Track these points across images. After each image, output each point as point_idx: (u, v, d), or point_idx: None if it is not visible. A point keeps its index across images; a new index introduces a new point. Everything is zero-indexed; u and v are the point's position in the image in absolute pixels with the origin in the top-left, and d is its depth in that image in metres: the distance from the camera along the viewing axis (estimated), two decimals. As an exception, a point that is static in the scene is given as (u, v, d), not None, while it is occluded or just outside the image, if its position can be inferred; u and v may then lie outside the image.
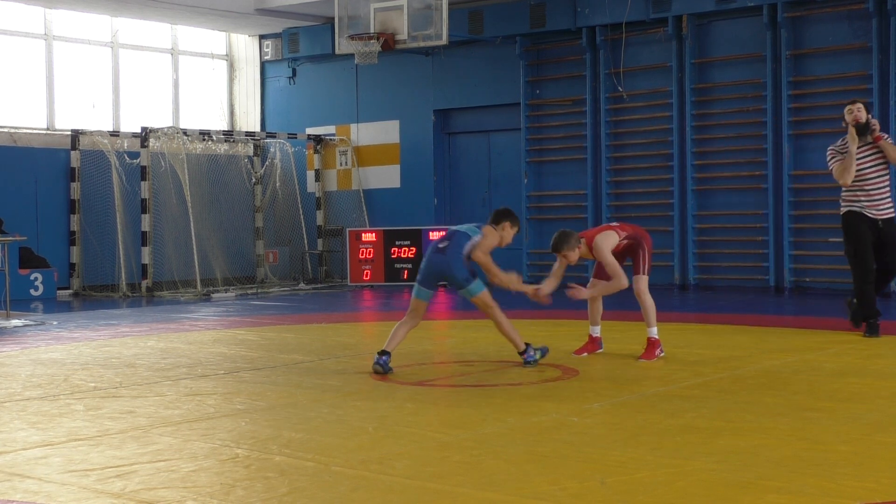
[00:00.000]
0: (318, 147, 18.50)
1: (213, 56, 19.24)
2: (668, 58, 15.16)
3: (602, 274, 8.14)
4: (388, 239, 16.42)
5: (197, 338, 10.07)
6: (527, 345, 7.83)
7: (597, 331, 8.45)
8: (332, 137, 18.47)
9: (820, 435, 5.36)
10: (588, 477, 4.60)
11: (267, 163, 18.65)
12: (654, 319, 8.10)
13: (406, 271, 16.24)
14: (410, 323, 7.84)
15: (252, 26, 18.47)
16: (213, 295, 15.63)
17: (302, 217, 18.38)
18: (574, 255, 8.03)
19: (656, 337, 8.12)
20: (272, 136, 18.38)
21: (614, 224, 8.35)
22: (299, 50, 18.44)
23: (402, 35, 15.17)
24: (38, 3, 16.40)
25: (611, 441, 5.30)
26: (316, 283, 17.65)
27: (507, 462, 4.90)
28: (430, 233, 16.26)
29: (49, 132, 16.81)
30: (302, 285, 17.21)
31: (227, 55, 19.49)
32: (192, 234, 16.39)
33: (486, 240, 7.68)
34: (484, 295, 7.65)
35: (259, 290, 16.29)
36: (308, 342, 9.54)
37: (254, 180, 18.55)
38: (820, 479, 4.49)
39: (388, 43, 15.18)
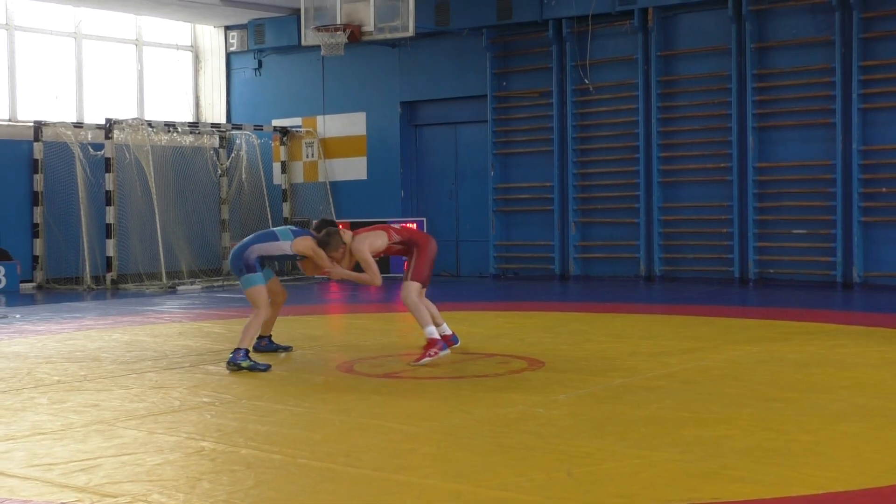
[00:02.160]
0: (285, 139, 18.43)
1: (178, 47, 19.10)
2: (634, 50, 15.22)
3: (414, 270, 8.03)
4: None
5: (162, 330, 10.01)
6: (248, 350, 7.63)
7: (445, 329, 8.30)
8: (298, 129, 18.40)
9: (782, 425, 5.42)
10: (554, 468, 4.62)
11: (233, 155, 18.54)
12: (426, 320, 7.87)
13: (373, 263, 16.19)
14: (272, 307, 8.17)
15: (217, 17, 18.34)
16: (179, 287, 15.54)
17: (268, 209, 18.29)
18: (339, 255, 7.97)
19: (434, 336, 7.84)
20: (238, 127, 18.29)
21: (394, 226, 8.30)
22: (265, 41, 18.35)
23: (369, 26, 15.12)
24: (0, -7, 16.21)
25: (577, 432, 5.33)
26: (283, 275, 17.59)
27: (474, 454, 4.92)
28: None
29: (11, 123, 16.62)
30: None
31: (192, 46, 19.36)
32: (158, 226, 16.28)
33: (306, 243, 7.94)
34: (252, 291, 7.82)
35: (225, 283, 16.20)
36: (274, 335, 9.51)
37: (220, 172, 18.44)
38: (782, 469, 4.54)
39: (355, 34, 15.13)
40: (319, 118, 18.26)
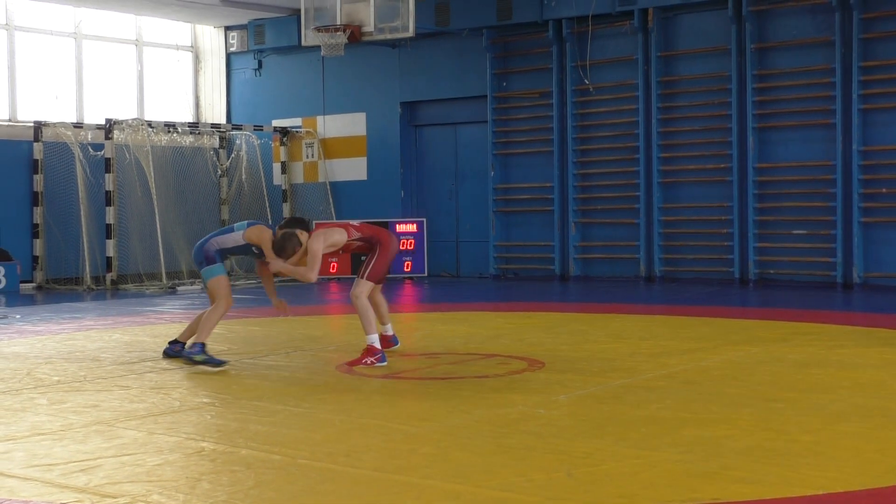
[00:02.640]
0: (285, 139, 18.42)
1: (178, 47, 19.09)
2: (634, 51, 15.22)
3: (372, 268, 7.96)
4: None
5: (162, 331, 10.00)
6: (203, 344, 7.65)
7: (388, 329, 8.30)
8: (298, 129, 18.40)
9: (783, 425, 5.41)
10: (554, 468, 4.62)
11: (233, 155, 18.54)
12: (371, 326, 7.72)
13: (373, 264, 16.19)
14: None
15: (217, 17, 18.34)
16: (179, 288, 15.53)
17: (268, 209, 18.29)
18: (297, 257, 7.85)
19: (375, 345, 7.70)
20: (238, 128, 18.28)
21: (354, 223, 8.24)
22: (265, 41, 18.35)
23: (369, 27, 15.11)
24: (0, -7, 16.21)
25: (577, 432, 5.33)
26: (282, 276, 17.57)
27: (474, 454, 4.91)
28: (398, 225, 16.25)
29: (11, 124, 16.62)
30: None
31: (192, 46, 19.36)
32: (158, 226, 16.27)
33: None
34: (212, 282, 7.84)
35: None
36: (275, 335, 9.51)
37: (220, 172, 18.43)
38: (783, 469, 4.54)
39: (355, 35, 15.12)
40: (319, 118, 18.25)
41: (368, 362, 7.62)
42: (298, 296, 14.24)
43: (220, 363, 7.55)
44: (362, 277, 7.82)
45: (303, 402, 6.30)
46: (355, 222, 8.37)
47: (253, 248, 7.98)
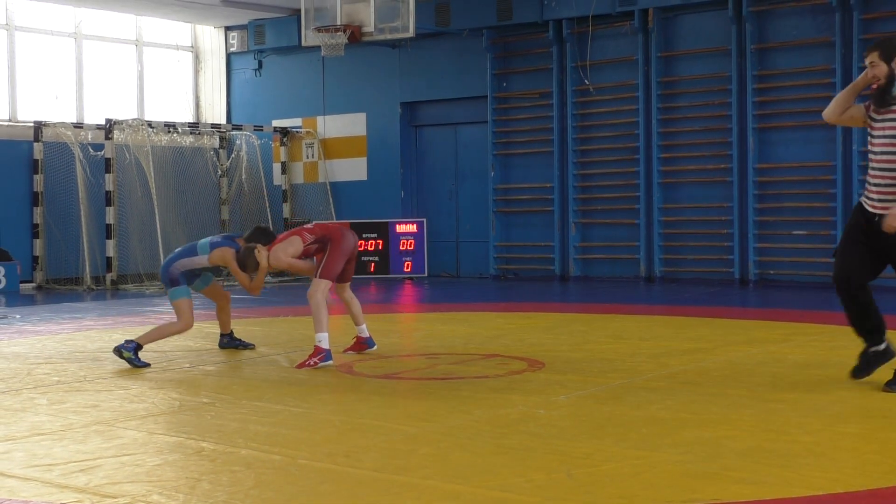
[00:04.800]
0: (285, 139, 18.42)
1: (178, 47, 19.09)
2: (634, 51, 15.22)
3: (325, 266, 7.98)
4: (355, 232, 16.35)
5: (162, 331, 9.99)
6: (140, 346, 7.78)
7: (363, 330, 8.32)
8: (298, 130, 18.40)
9: (783, 426, 5.41)
10: (555, 469, 4.62)
11: (233, 155, 18.54)
12: (323, 325, 7.67)
13: (373, 264, 16.21)
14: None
15: (217, 17, 18.34)
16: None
17: (268, 210, 18.28)
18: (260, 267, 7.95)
19: (322, 346, 7.66)
20: (238, 128, 18.28)
21: (307, 226, 8.23)
22: (265, 42, 18.35)
23: (369, 27, 15.12)
24: (0, -7, 16.21)
25: (577, 433, 5.33)
26: (282, 276, 17.58)
27: (474, 454, 4.91)
28: (397, 225, 16.25)
29: (11, 124, 16.62)
30: (268, 278, 17.14)
31: (192, 47, 19.36)
32: (158, 226, 16.27)
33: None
34: (175, 303, 8.01)
35: (225, 284, 16.18)
36: (275, 335, 9.51)
37: (220, 173, 18.43)
38: (783, 470, 4.54)
39: (355, 35, 15.13)
40: (319, 119, 18.25)
41: (312, 363, 7.60)
42: (298, 296, 14.24)
43: (143, 365, 7.70)
44: (317, 276, 7.82)
45: (303, 402, 6.30)
46: (309, 225, 8.36)
47: (221, 268, 8.11)
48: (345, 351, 8.30)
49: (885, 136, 6.26)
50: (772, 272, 14.37)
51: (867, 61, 6.30)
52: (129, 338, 8.18)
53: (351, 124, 17.93)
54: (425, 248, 16.24)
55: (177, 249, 8.29)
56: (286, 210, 18.34)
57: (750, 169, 14.28)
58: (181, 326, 8.04)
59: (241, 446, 5.11)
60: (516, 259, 16.53)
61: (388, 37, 15.26)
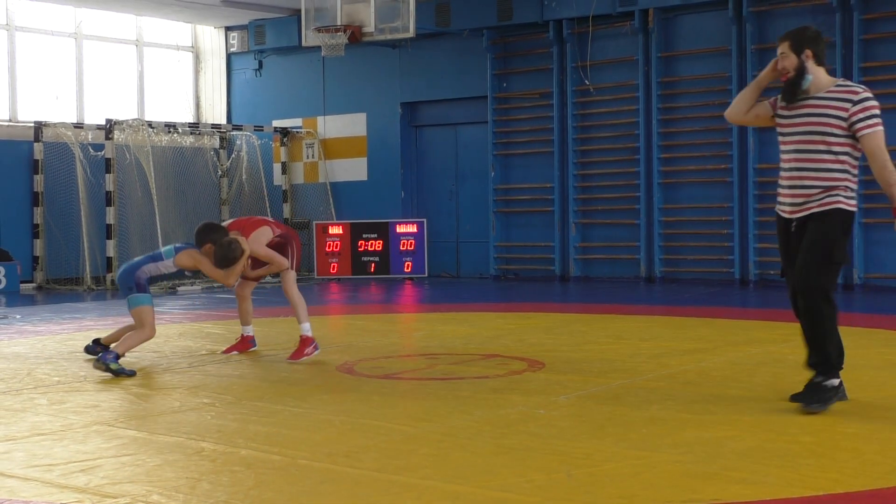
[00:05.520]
0: (285, 140, 18.42)
1: (178, 48, 19.09)
2: (634, 51, 15.22)
3: (255, 270, 8.15)
4: (356, 232, 16.39)
5: (162, 331, 10.00)
6: (119, 356, 7.62)
7: (248, 330, 8.35)
8: (298, 130, 18.40)
9: (783, 426, 5.41)
10: (555, 469, 4.61)
11: (233, 155, 18.54)
12: (304, 315, 7.90)
13: (373, 264, 16.21)
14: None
15: (218, 18, 18.34)
16: (179, 288, 15.52)
17: (269, 210, 18.28)
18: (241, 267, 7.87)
19: (309, 334, 7.90)
20: (238, 128, 18.28)
21: (271, 220, 8.29)
22: (265, 42, 18.35)
23: (369, 27, 15.12)
24: (0, -7, 16.21)
25: (577, 433, 5.32)
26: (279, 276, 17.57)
27: (474, 455, 4.91)
28: (398, 226, 16.25)
29: (11, 124, 16.62)
30: (268, 279, 17.12)
31: (192, 47, 19.36)
32: (158, 226, 16.26)
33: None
34: (136, 311, 7.81)
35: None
36: (275, 335, 9.51)
37: (220, 173, 18.43)
38: (783, 470, 4.53)
39: (355, 35, 15.13)
40: (320, 119, 18.25)
41: (310, 352, 7.86)
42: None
43: (130, 373, 7.49)
44: (291, 269, 8.06)
45: (303, 402, 6.30)
46: (271, 220, 8.40)
47: (186, 272, 8.07)
48: (225, 351, 8.31)
49: (796, 134, 5.79)
50: (772, 272, 14.36)
51: (778, 52, 5.84)
52: (94, 339, 8.19)
53: (351, 124, 17.93)
54: (425, 248, 16.24)
55: (136, 258, 8.14)
56: (286, 210, 18.34)
57: (750, 169, 14.27)
58: (146, 336, 7.83)
59: (241, 446, 5.11)
60: (516, 259, 16.53)
61: (389, 37, 15.26)
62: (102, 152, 16.15)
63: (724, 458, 4.76)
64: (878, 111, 5.74)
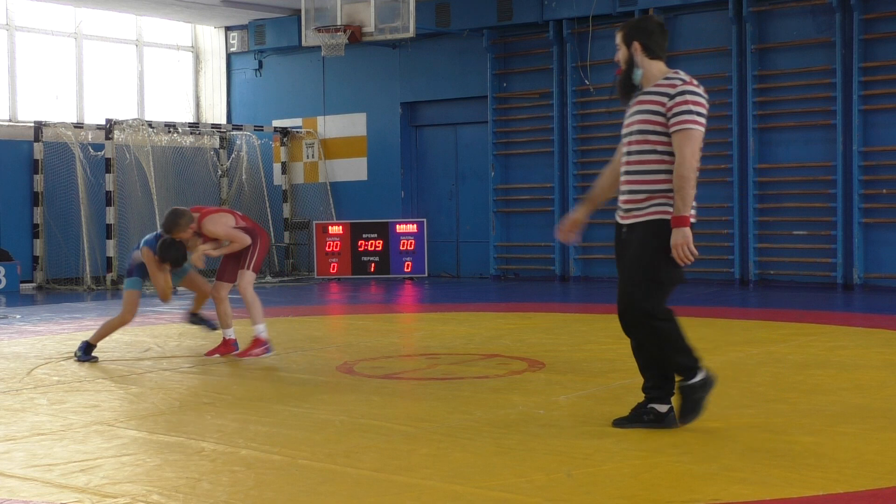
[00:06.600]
0: (285, 139, 18.42)
1: (178, 48, 19.09)
2: (634, 51, 15.19)
3: (226, 271, 8.14)
4: (355, 232, 16.39)
5: (162, 331, 10.00)
6: (92, 346, 8.02)
7: (230, 333, 8.33)
8: (298, 130, 18.40)
9: (784, 426, 5.41)
10: (555, 469, 4.61)
11: (233, 155, 18.54)
12: (259, 316, 8.00)
13: (373, 264, 16.21)
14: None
15: (218, 18, 18.34)
16: (179, 288, 15.49)
17: (269, 210, 18.29)
18: (187, 236, 7.89)
19: (263, 336, 8.02)
20: (238, 128, 18.28)
21: (238, 213, 8.32)
22: (265, 42, 18.35)
23: (369, 27, 15.12)
24: (0, -7, 16.21)
25: (577, 433, 5.32)
26: (283, 276, 17.59)
27: (474, 455, 4.91)
28: (398, 225, 16.24)
29: (12, 124, 16.62)
30: (269, 278, 17.14)
31: (192, 47, 19.36)
32: (158, 226, 16.23)
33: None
34: (126, 294, 8.16)
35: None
36: (275, 335, 9.50)
37: (220, 173, 18.43)
38: (784, 470, 4.53)
39: (355, 35, 15.13)
40: (320, 119, 18.25)
41: (256, 353, 7.94)
42: (298, 296, 14.26)
43: (94, 359, 7.92)
44: (247, 269, 8.05)
45: (303, 402, 6.30)
46: (239, 212, 8.41)
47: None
48: (207, 354, 8.29)
49: (629, 134, 5.30)
50: (772, 272, 14.36)
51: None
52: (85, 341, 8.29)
53: (351, 124, 17.93)
54: (425, 248, 16.24)
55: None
56: (286, 210, 18.34)
57: (750, 169, 14.27)
58: (122, 321, 8.11)
59: (241, 446, 5.11)
60: (516, 259, 16.53)
61: (389, 37, 15.26)
62: (102, 152, 16.15)
63: (724, 458, 4.76)
64: (699, 108, 5.17)
